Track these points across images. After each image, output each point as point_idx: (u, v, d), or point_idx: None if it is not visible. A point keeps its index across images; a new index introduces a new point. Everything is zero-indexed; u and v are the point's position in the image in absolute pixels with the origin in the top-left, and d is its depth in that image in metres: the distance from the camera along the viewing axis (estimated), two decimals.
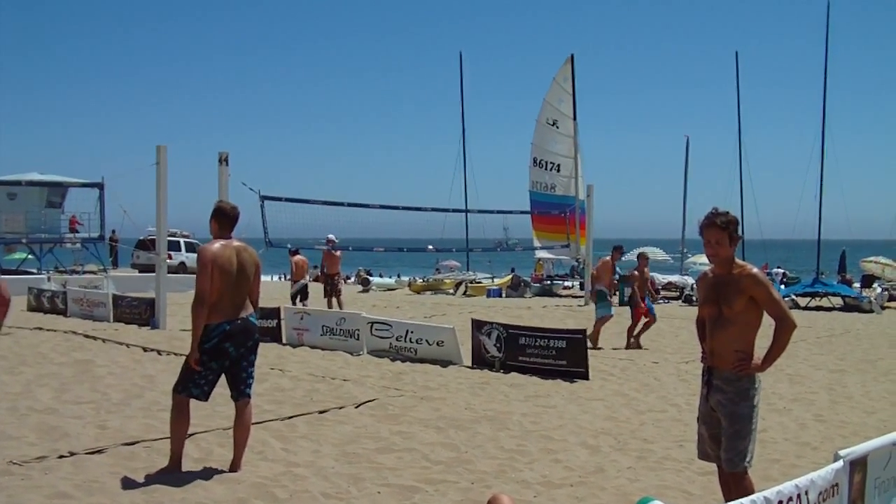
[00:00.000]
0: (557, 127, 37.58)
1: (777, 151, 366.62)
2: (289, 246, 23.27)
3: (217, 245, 6.96)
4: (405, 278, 45.76)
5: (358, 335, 14.69)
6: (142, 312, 19.01)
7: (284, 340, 15.68)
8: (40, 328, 17.55)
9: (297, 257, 23.23)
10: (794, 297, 30.15)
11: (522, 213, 36.19)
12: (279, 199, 21.81)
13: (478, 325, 13.75)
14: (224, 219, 7.19)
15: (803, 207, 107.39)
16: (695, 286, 21.40)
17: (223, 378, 7.11)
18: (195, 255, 32.17)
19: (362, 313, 15.81)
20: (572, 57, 37.87)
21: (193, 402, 7.07)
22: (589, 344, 13.79)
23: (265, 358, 12.05)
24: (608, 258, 17.36)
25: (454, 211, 36.05)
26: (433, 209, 29.69)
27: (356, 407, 9.98)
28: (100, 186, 21.28)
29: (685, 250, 52.14)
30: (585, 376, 12.30)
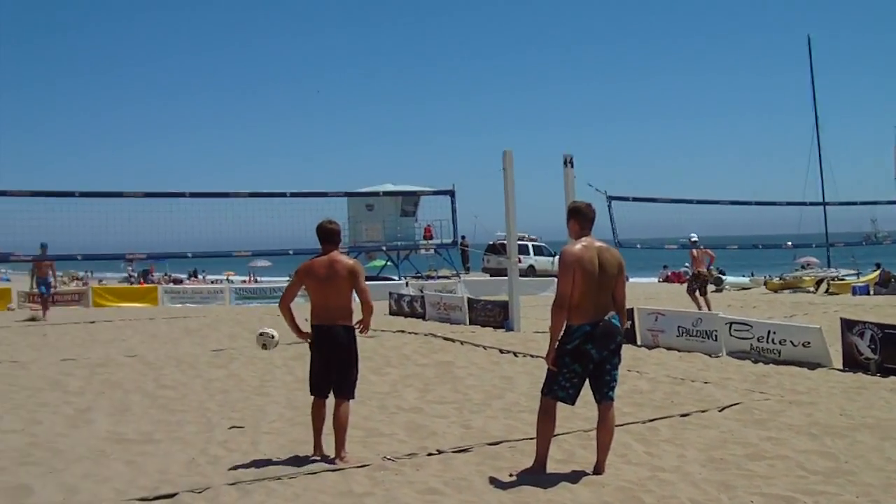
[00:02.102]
0: None
1: None
2: (638, 245, 22.92)
3: (579, 246, 6.83)
4: (760, 276, 43.94)
5: (716, 336, 14.09)
6: (496, 315, 19.46)
7: (639, 342, 15.39)
8: (402, 331, 18.45)
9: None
10: None
11: (890, 203, 33.34)
12: (626, 199, 21.46)
13: (848, 325, 12.70)
14: (583, 218, 7.06)
15: None
16: None
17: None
18: (543, 259, 32.93)
19: (720, 313, 15.19)
20: None
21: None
22: None
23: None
24: None
25: (811, 204, 34.04)
26: (787, 203, 28.09)
27: (720, 410, 9.49)
28: (451, 193, 22.08)
29: None
30: None
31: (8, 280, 58.14)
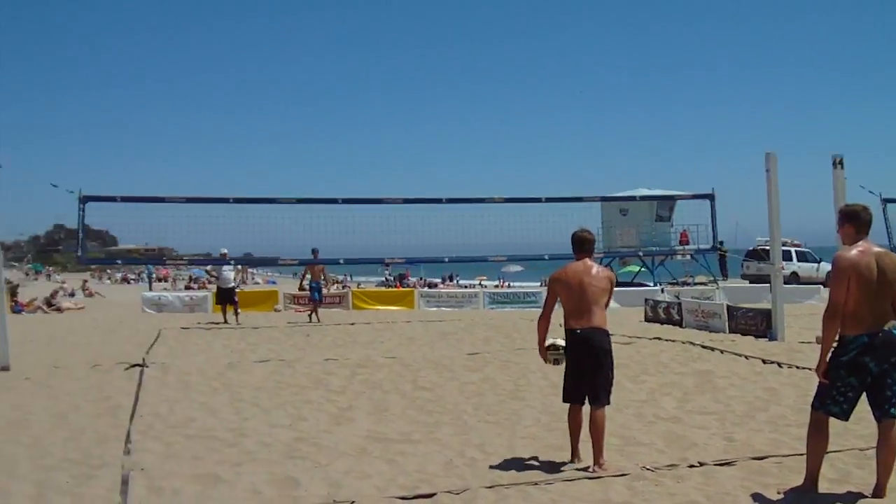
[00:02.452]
0: None
1: None
2: None
3: (853, 252, 6.34)
4: None
5: None
6: (758, 324, 18.64)
7: None
8: (658, 338, 18.01)
9: None
10: None
11: None
12: None
13: None
14: (859, 222, 6.55)
15: None
16: None
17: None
18: (807, 265, 31.18)
19: None
20: None
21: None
22: None
23: None
24: None
25: None
26: None
27: None
28: (710, 197, 21.40)
29: None
30: None
31: (274, 283, 61.94)
